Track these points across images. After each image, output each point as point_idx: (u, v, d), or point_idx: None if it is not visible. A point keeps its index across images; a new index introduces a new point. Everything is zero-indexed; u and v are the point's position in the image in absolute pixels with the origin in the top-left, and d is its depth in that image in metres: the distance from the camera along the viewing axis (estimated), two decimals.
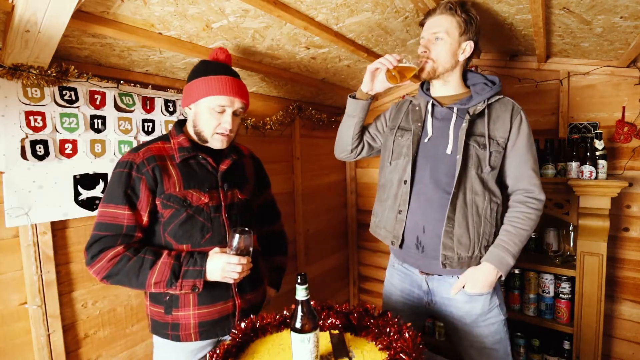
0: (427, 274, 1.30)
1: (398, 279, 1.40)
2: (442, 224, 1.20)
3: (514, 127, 1.22)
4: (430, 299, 1.32)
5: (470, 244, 1.20)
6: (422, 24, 1.30)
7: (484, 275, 1.19)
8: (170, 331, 1.15)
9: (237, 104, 1.16)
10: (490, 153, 1.20)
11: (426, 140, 1.27)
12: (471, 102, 1.24)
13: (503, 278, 1.21)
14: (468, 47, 1.24)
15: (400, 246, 1.29)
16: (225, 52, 1.24)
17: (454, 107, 1.26)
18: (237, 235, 1.09)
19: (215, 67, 1.16)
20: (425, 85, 1.38)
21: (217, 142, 1.17)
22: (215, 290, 1.14)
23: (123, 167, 1.09)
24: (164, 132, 1.54)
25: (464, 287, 1.23)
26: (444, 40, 1.22)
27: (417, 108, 1.33)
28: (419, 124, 1.29)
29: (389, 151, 1.36)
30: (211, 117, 1.13)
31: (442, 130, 1.26)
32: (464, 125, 1.20)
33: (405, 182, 1.27)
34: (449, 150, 1.22)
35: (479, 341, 1.26)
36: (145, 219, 1.10)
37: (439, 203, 1.21)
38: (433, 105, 1.30)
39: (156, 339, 1.22)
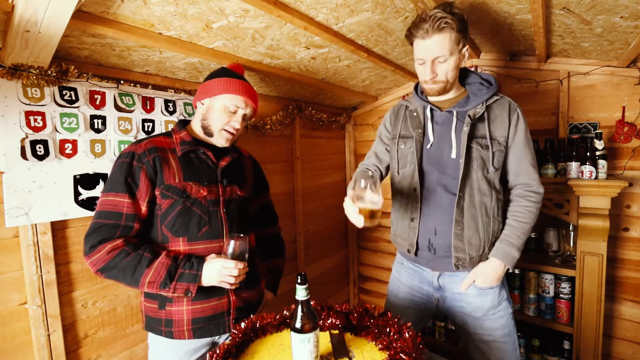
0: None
1: (407, 275, 1.41)
2: (452, 226, 1.22)
3: (512, 124, 1.24)
4: (441, 295, 1.34)
5: (480, 244, 1.23)
6: (411, 43, 1.20)
7: (492, 270, 1.22)
8: (164, 327, 1.15)
9: (249, 108, 1.24)
10: (493, 153, 1.22)
11: (429, 146, 1.28)
12: (469, 104, 1.24)
13: (510, 270, 1.23)
14: (466, 52, 1.23)
15: (416, 254, 1.30)
16: (242, 67, 1.38)
17: (453, 110, 1.26)
18: (232, 241, 1.11)
19: (235, 74, 1.27)
20: (419, 89, 1.33)
21: (221, 139, 1.22)
22: (209, 286, 1.14)
23: (125, 157, 1.12)
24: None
25: (473, 281, 1.26)
26: (449, 61, 1.16)
27: (415, 114, 1.32)
28: (420, 131, 1.29)
29: (395, 161, 1.36)
30: (223, 114, 1.20)
31: (444, 135, 1.26)
32: (466, 129, 1.21)
33: (414, 189, 1.28)
34: (453, 155, 1.23)
35: (489, 334, 1.27)
36: (144, 209, 1.11)
37: (449, 205, 1.23)
38: (432, 110, 1.29)
39: (151, 337, 1.22)
